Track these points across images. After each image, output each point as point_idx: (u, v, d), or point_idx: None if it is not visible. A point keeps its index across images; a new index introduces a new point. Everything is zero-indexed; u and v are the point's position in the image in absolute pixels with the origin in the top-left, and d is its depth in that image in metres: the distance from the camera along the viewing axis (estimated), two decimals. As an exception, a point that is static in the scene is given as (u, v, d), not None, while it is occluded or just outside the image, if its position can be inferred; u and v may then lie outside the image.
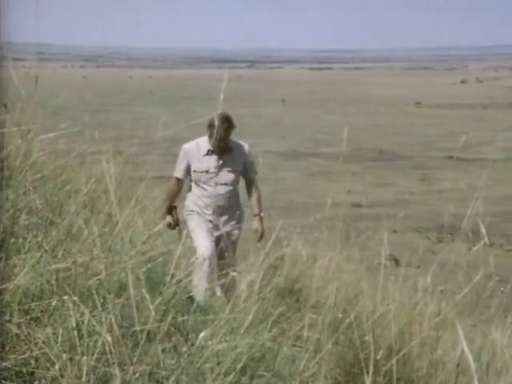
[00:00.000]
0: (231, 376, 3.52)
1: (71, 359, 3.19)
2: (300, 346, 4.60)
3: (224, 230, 6.99)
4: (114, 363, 3.15)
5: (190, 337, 3.80)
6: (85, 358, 3.16)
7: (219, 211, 6.97)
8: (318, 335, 4.69)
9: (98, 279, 3.64)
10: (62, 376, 3.13)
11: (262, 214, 7.14)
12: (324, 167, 59.19)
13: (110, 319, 3.30)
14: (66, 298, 3.43)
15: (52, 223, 4.35)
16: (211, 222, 6.94)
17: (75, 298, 3.40)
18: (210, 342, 3.64)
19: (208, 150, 6.92)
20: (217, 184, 6.92)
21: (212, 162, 6.92)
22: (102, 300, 3.50)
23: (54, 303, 3.46)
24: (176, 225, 7.06)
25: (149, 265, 3.96)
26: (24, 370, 3.18)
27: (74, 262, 3.63)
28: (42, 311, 3.45)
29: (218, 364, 3.57)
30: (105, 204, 4.87)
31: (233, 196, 7.04)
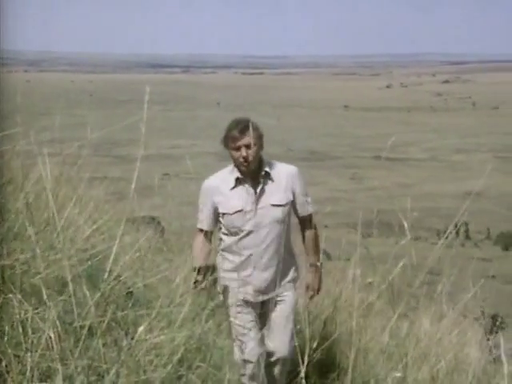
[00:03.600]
0: (169, 367, 3.52)
1: (16, 356, 3.15)
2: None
3: (271, 294, 4.72)
4: (56, 358, 3.12)
5: (129, 331, 3.78)
6: (29, 354, 3.13)
7: (263, 266, 4.68)
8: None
9: (41, 277, 3.59)
10: (8, 372, 3.09)
11: (318, 264, 4.91)
12: (258, 167, 59.31)
13: (53, 316, 3.27)
14: (10, 295, 3.38)
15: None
16: (250, 285, 4.71)
17: (19, 296, 3.36)
18: (148, 336, 3.63)
19: (236, 179, 4.66)
20: (257, 227, 4.63)
21: (245, 195, 4.65)
22: (45, 297, 3.46)
23: (-1, 301, 3.42)
24: (212, 285, 4.77)
25: (89, 262, 3.92)
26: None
27: (16, 260, 3.59)
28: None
29: (157, 356, 3.57)
30: (46, 203, 4.82)
31: (282, 242, 4.70)
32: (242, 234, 4.64)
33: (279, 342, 4.68)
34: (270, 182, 4.66)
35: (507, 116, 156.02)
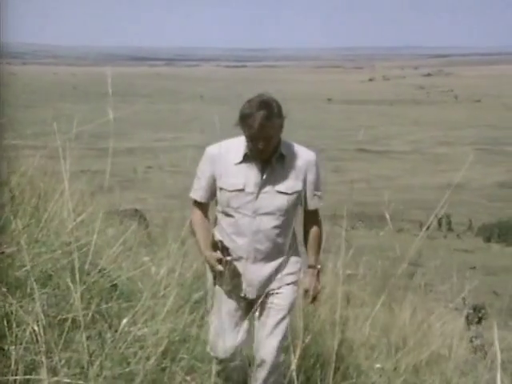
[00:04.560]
0: (153, 359, 3.53)
1: (1, 349, 3.16)
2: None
3: (267, 289, 4.17)
4: (40, 351, 3.12)
5: (113, 323, 3.78)
6: (13, 347, 3.13)
7: (259, 258, 4.14)
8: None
9: (26, 270, 3.59)
10: (-9, 366, 3.09)
11: (319, 266, 4.36)
12: (242, 160, 59.32)
13: (37, 309, 3.27)
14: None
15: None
16: (242, 277, 4.16)
17: (4, 289, 3.36)
18: (132, 328, 3.64)
19: (244, 156, 4.10)
20: (256, 213, 4.08)
21: (250, 174, 4.09)
22: (29, 290, 3.46)
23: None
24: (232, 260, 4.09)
25: (73, 255, 3.92)
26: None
27: (1, 253, 3.58)
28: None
29: (141, 348, 3.57)
30: (31, 197, 4.81)
31: (283, 235, 4.16)
32: (236, 217, 4.09)
33: (264, 344, 4.14)
34: (282, 165, 4.10)
35: (489, 109, 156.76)
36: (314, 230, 4.33)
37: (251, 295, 4.18)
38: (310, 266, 4.31)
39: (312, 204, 4.25)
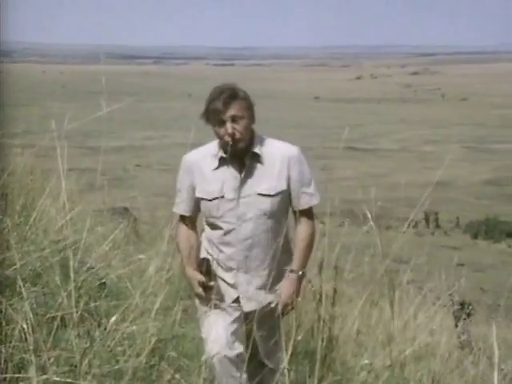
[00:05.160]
0: (142, 357, 3.53)
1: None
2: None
3: (259, 299, 3.85)
4: (29, 350, 3.11)
5: (102, 321, 3.78)
6: (2, 346, 3.12)
7: (251, 268, 3.81)
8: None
9: (15, 269, 3.58)
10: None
11: (300, 272, 3.87)
12: (230, 158, 59.35)
13: (26, 307, 3.26)
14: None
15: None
16: (234, 287, 3.85)
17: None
18: (121, 326, 3.64)
19: (221, 159, 3.77)
20: (241, 220, 3.75)
21: (227, 179, 3.76)
22: (18, 289, 3.45)
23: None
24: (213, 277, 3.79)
25: (61, 254, 3.91)
26: None
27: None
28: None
29: (130, 346, 3.57)
30: (19, 195, 4.80)
31: (274, 240, 3.80)
32: (221, 226, 3.77)
33: (263, 352, 3.94)
34: (259, 164, 3.75)
35: (476, 107, 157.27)
36: (303, 231, 3.87)
37: (247, 308, 3.84)
38: (291, 271, 3.85)
39: (300, 203, 3.83)
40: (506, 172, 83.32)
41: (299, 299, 3.95)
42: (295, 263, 3.86)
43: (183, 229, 3.93)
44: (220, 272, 3.82)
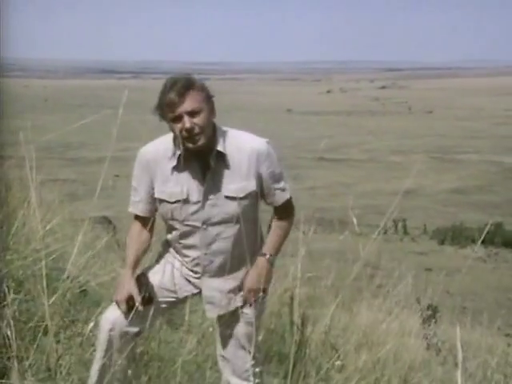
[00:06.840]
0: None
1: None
2: (188, 330, 4.61)
3: (230, 307, 3.43)
4: (12, 356, 3.09)
5: (83, 328, 3.75)
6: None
7: (218, 272, 3.39)
8: (200, 320, 4.72)
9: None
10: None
11: (267, 256, 3.40)
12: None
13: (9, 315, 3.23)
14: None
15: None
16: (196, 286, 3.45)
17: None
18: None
19: (179, 158, 3.24)
20: (206, 223, 3.29)
21: (191, 180, 3.28)
22: (1, 296, 3.42)
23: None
24: (149, 301, 3.29)
25: (43, 262, 3.87)
26: None
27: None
28: None
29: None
30: (1, 206, 4.76)
31: (243, 243, 3.30)
32: (184, 230, 3.31)
33: (235, 356, 3.52)
34: (225, 164, 3.25)
35: (441, 119, 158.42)
36: (278, 221, 3.44)
37: (212, 314, 3.47)
38: (260, 255, 3.40)
39: (276, 200, 3.40)
40: (470, 181, 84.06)
41: (267, 286, 3.46)
42: (267, 247, 3.42)
43: (137, 226, 3.42)
44: (184, 270, 3.41)
